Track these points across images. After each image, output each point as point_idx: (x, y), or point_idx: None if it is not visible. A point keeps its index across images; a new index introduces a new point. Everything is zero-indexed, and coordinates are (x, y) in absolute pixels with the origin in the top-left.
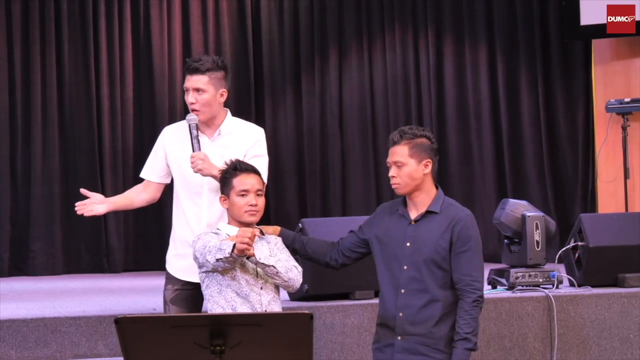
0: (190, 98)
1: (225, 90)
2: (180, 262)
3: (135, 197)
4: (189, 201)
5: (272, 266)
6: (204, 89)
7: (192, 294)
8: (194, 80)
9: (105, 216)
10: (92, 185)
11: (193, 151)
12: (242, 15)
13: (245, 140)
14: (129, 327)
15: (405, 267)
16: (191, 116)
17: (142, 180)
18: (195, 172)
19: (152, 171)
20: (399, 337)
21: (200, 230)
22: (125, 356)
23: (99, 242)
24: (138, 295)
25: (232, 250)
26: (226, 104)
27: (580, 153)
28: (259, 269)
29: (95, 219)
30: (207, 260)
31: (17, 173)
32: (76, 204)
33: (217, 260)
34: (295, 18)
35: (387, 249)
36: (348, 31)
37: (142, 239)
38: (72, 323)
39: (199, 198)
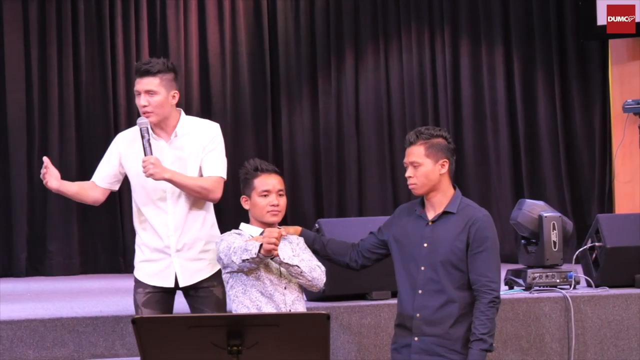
0: (142, 101)
1: (177, 91)
2: (150, 268)
3: (88, 191)
4: (153, 207)
5: (296, 266)
6: (155, 91)
7: (163, 296)
8: (145, 83)
9: (122, 216)
10: None
11: (145, 155)
12: (258, 16)
13: (201, 139)
14: (146, 327)
15: (422, 268)
16: (142, 119)
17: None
18: (147, 176)
19: (102, 176)
20: (416, 338)
21: (169, 235)
22: (142, 356)
23: (116, 242)
24: None
25: (259, 251)
26: (242, 104)
27: (597, 153)
28: (282, 269)
29: (112, 219)
30: (232, 261)
31: (34, 173)
32: (43, 169)
33: (243, 260)
34: (311, 18)
35: (404, 249)
36: (364, 31)
37: None
38: (89, 323)
39: (164, 203)
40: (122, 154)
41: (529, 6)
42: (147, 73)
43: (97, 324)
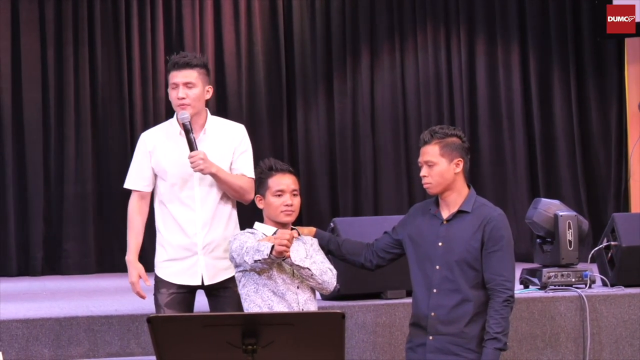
0: (180, 93)
1: (210, 86)
2: (175, 266)
3: (141, 225)
4: (180, 204)
5: (307, 268)
6: (194, 83)
7: (186, 297)
8: (184, 75)
9: None
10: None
11: (191, 150)
12: (274, 15)
13: (232, 139)
14: (162, 326)
15: (437, 267)
16: (184, 114)
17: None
18: (196, 171)
19: (146, 182)
20: (431, 337)
21: (195, 233)
22: (157, 355)
23: None
24: None
25: (271, 252)
26: (257, 103)
27: (613, 152)
28: (295, 270)
29: (125, 217)
30: (244, 260)
31: (51, 173)
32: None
33: (255, 261)
34: (327, 18)
35: (419, 249)
36: (380, 31)
37: None
38: (105, 322)
39: (191, 200)
40: (153, 152)
41: (545, 5)
42: (187, 65)
43: (113, 322)
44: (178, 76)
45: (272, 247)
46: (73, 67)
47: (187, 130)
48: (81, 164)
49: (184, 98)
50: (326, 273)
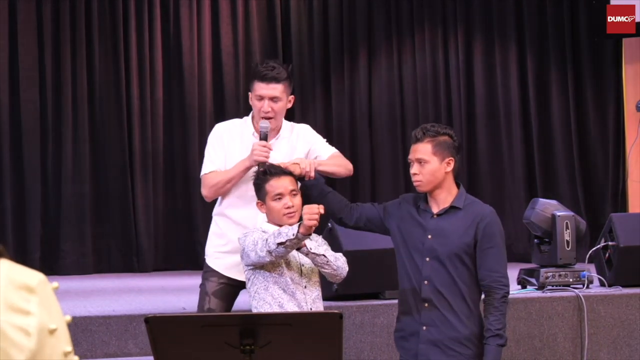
0: (265, 107)
1: (293, 96)
2: (226, 259)
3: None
4: (243, 205)
5: (323, 255)
6: (279, 97)
7: (233, 289)
8: (272, 89)
9: (135, 215)
10: (122, 186)
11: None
12: (271, 16)
13: (304, 141)
14: (159, 327)
15: (427, 259)
16: (265, 123)
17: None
18: (261, 160)
19: (222, 166)
20: (424, 327)
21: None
22: (155, 355)
23: (129, 242)
24: (168, 294)
25: (298, 231)
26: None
27: (611, 152)
28: (302, 268)
29: (126, 218)
30: (264, 251)
31: (48, 173)
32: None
33: (278, 244)
34: (324, 18)
35: (408, 241)
36: (377, 31)
37: (172, 238)
38: (102, 322)
39: (250, 198)
40: (226, 145)
41: (542, 5)
42: (274, 79)
43: (110, 323)
44: (266, 89)
45: (299, 225)
46: (70, 67)
47: (264, 139)
48: (79, 164)
49: (268, 112)
50: (339, 259)
